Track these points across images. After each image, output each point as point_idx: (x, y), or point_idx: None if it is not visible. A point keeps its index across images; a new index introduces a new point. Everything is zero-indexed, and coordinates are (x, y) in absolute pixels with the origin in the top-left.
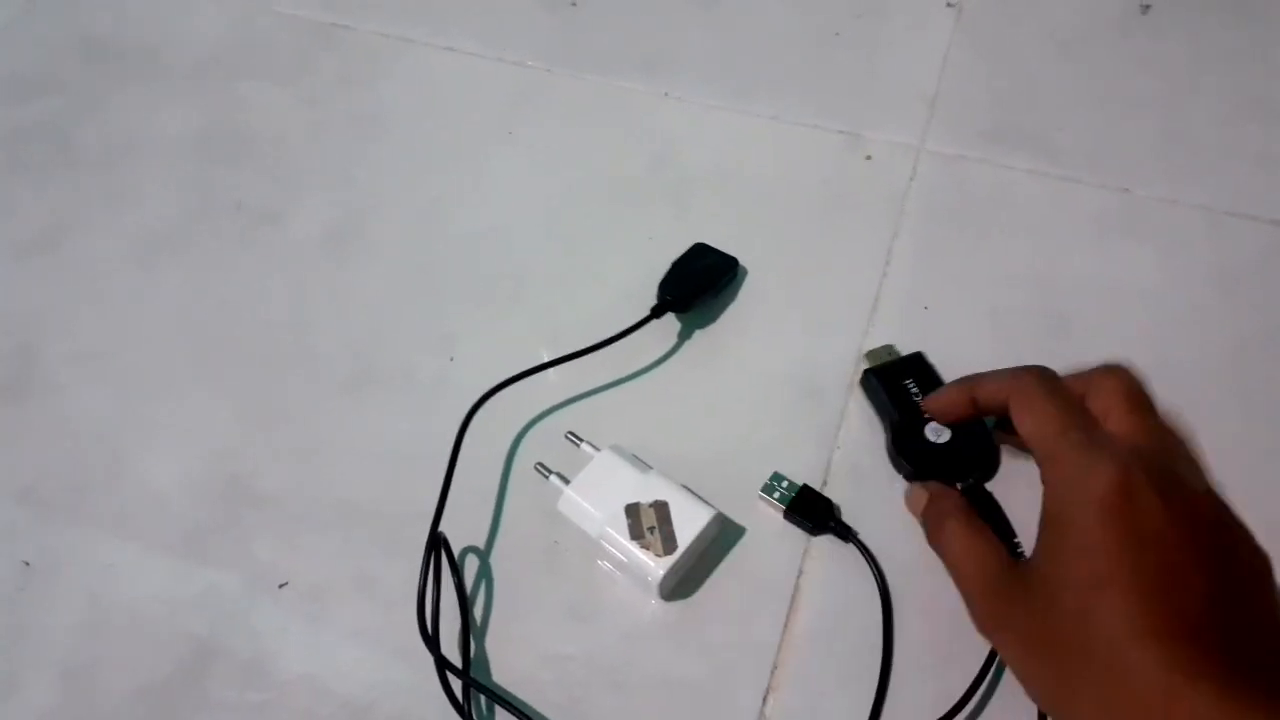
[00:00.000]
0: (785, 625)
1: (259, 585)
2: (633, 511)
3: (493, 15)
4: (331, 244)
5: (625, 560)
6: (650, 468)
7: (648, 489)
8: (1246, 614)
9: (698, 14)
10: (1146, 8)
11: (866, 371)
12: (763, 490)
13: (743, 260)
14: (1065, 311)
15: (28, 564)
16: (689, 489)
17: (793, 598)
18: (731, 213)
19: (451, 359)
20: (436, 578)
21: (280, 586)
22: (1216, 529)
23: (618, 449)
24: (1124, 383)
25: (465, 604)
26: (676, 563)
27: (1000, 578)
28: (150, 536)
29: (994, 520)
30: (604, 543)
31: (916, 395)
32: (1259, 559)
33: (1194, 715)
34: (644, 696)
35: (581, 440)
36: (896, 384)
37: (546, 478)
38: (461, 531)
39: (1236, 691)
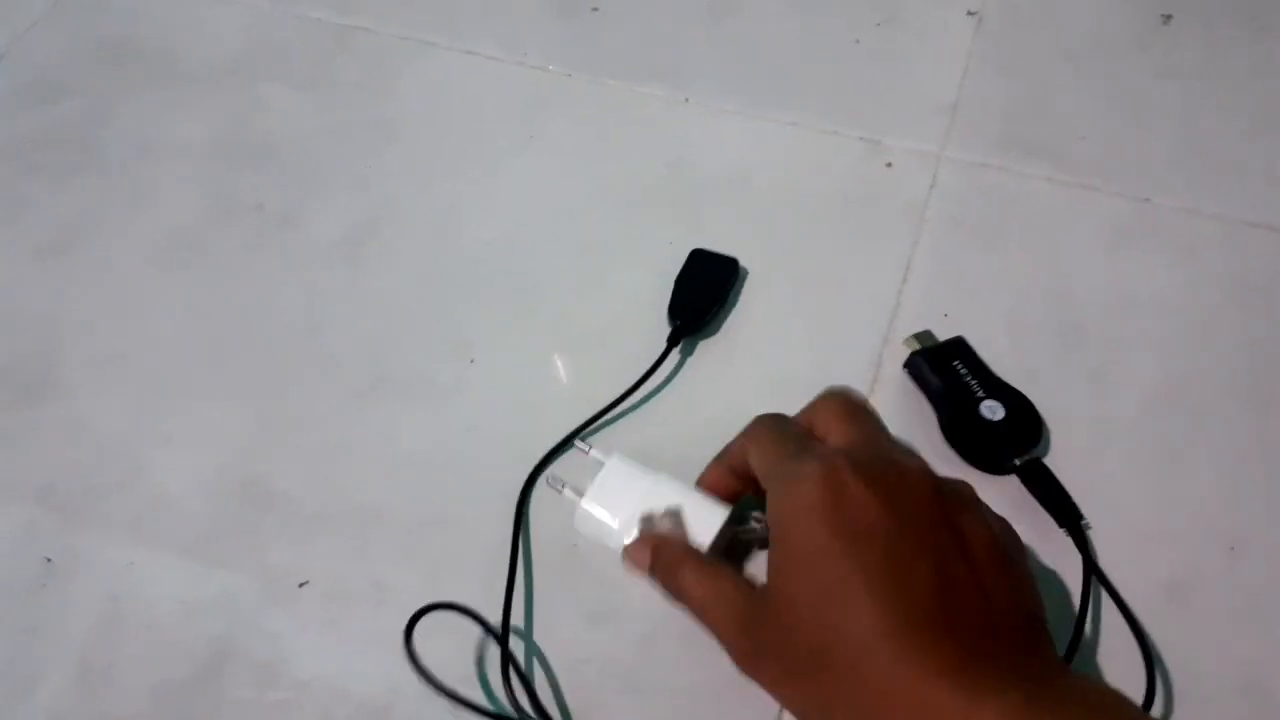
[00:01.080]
0: None
1: (277, 586)
2: (648, 520)
3: (513, 20)
4: (350, 247)
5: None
6: (660, 472)
7: (660, 494)
8: (976, 590)
9: (717, 20)
10: (1168, 18)
11: (913, 354)
12: None
13: (762, 265)
14: (1083, 320)
15: (49, 560)
16: (702, 490)
17: None
18: (750, 218)
19: (472, 361)
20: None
21: (300, 586)
22: (935, 506)
23: (625, 456)
24: (839, 401)
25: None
26: None
27: (747, 612)
28: (168, 537)
29: (1053, 495)
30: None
31: (966, 376)
32: (982, 527)
33: (934, 712)
34: (661, 701)
35: (590, 447)
36: (945, 365)
37: (560, 491)
38: (479, 534)
39: (973, 679)
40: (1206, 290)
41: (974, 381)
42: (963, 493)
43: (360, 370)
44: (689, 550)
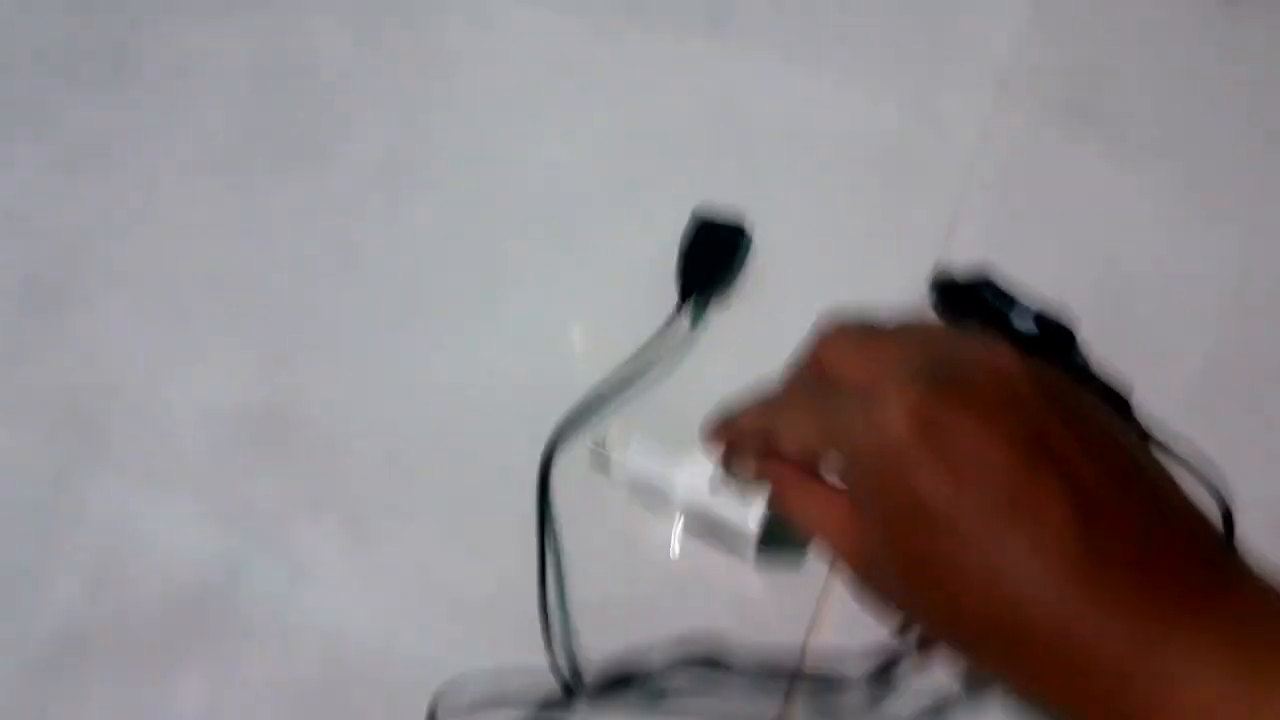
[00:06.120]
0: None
1: (295, 510)
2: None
3: None
4: (384, 178)
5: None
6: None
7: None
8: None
9: None
10: None
11: (933, 285)
12: None
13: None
14: (1132, 291)
15: (63, 473)
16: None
17: None
18: (794, 171)
19: (503, 297)
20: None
21: (318, 512)
22: (1042, 403)
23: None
24: (838, 331)
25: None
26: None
27: (860, 544)
28: (187, 457)
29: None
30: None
31: (992, 300)
32: (1104, 421)
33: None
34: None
35: (609, 450)
36: (969, 291)
37: (601, 448)
38: (502, 468)
39: (1160, 623)
40: (1262, 267)
41: (998, 303)
42: (1061, 380)
43: (391, 300)
44: (770, 453)
